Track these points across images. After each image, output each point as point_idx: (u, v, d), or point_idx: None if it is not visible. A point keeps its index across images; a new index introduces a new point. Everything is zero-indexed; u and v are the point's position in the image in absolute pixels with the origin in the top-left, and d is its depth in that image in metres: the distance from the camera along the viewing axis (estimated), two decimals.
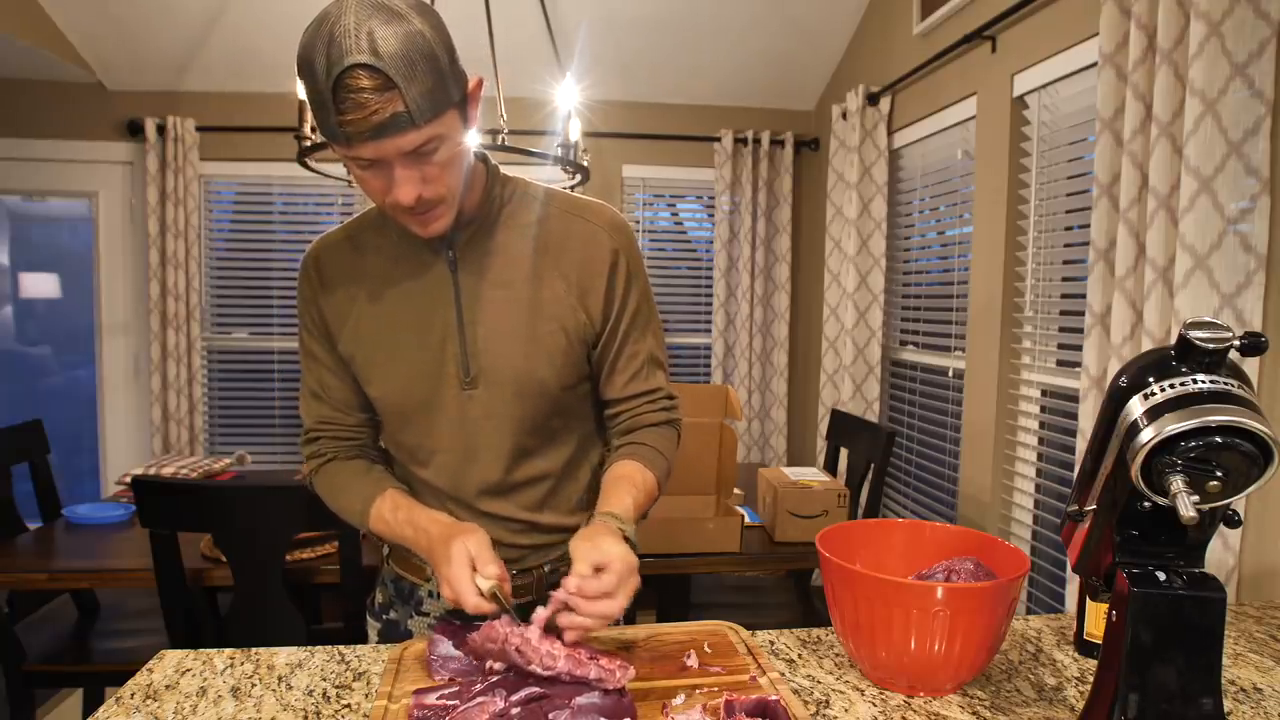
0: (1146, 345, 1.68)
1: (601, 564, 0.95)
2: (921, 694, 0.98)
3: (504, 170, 1.16)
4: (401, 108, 0.88)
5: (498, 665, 0.94)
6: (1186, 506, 0.71)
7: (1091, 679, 1.02)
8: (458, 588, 0.96)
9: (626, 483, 1.09)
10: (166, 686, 1.00)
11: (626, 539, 1.01)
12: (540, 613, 0.93)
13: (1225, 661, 1.10)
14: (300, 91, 2.20)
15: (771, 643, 1.13)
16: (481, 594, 0.95)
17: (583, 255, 1.11)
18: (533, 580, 1.18)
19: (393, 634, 1.24)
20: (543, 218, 1.12)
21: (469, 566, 0.97)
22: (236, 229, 3.86)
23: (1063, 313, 2.27)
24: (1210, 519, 0.81)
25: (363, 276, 1.12)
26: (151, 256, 3.61)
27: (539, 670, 0.89)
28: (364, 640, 1.37)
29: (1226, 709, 0.88)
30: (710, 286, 4.01)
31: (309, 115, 2.21)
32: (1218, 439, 0.72)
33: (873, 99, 3.19)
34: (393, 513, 1.11)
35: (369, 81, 0.86)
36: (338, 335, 1.13)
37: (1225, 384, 0.74)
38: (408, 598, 1.23)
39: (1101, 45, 1.83)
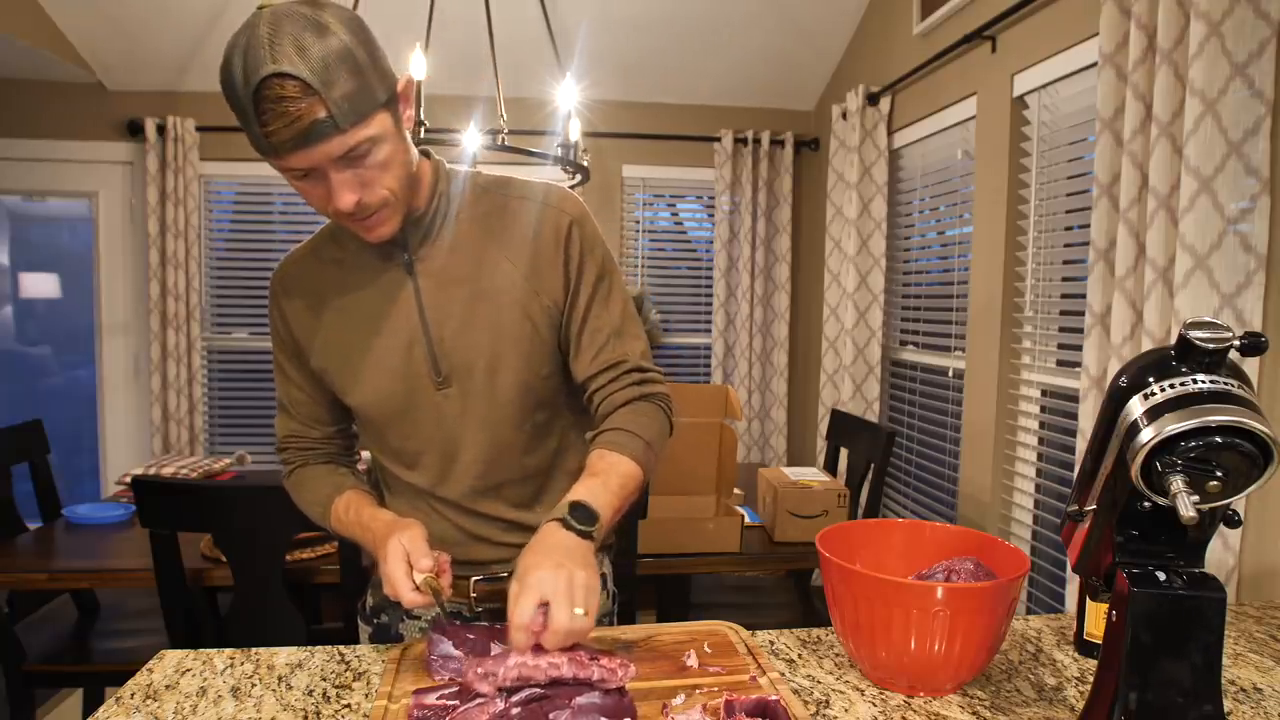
0: (1146, 345, 1.68)
1: (543, 601, 0.89)
2: (921, 694, 0.98)
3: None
4: (324, 114, 0.87)
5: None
6: (1186, 506, 0.71)
7: (1091, 679, 1.02)
8: (394, 583, 0.97)
9: (586, 474, 1.04)
10: (166, 686, 1.00)
11: (560, 520, 0.96)
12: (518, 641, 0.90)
13: (1225, 661, 1.10)
14: None
15: (771, 643, 1.13)
16: (417, 588, 0.97)
17: (537, 238, 1.09)
18: None
19: (384, 638, 1.23)
20: (493, 207, 1.11)
21: (405, 561, 0.98)
22: (236, 229, 3.86)
23: (1063, 313, 2.27)
24: (1210, 519, 0.81)
25: (326, 290, 1.12)
26: (151, 256, 3.61)
27: (543, 680, 0.89)
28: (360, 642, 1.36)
29: (1226, 709, 0.88)
30: (710, 286, 4.01)
31: None
32: (1218, 439, 0.72)
33: (873, 99, 3.19)
34: (345, 513, 1.13)
35: (288, 90, 0.86)
36: (308, 351, 1.14)
37: (1225, 384, 0.74)
38: (398, 601, 1.22)
39: (1101, 45, 1.83)
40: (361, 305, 1.10)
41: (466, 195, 1.12)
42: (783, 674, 1.03)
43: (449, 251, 1.09)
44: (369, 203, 0.96)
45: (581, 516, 0.97)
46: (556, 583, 0.88)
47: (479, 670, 0.89)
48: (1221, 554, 1.55)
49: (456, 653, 1.00)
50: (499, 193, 1.12)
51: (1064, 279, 2.26)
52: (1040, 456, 2.37)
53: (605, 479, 1.03)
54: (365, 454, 1.26)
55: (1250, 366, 1.52)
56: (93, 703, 2.26)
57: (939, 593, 0.92)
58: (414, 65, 2.02)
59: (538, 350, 1.10)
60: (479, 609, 1.19)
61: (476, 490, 1.14)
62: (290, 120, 0.87)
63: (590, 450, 1.10)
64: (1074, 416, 2.07)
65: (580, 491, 1.00)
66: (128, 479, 2.72)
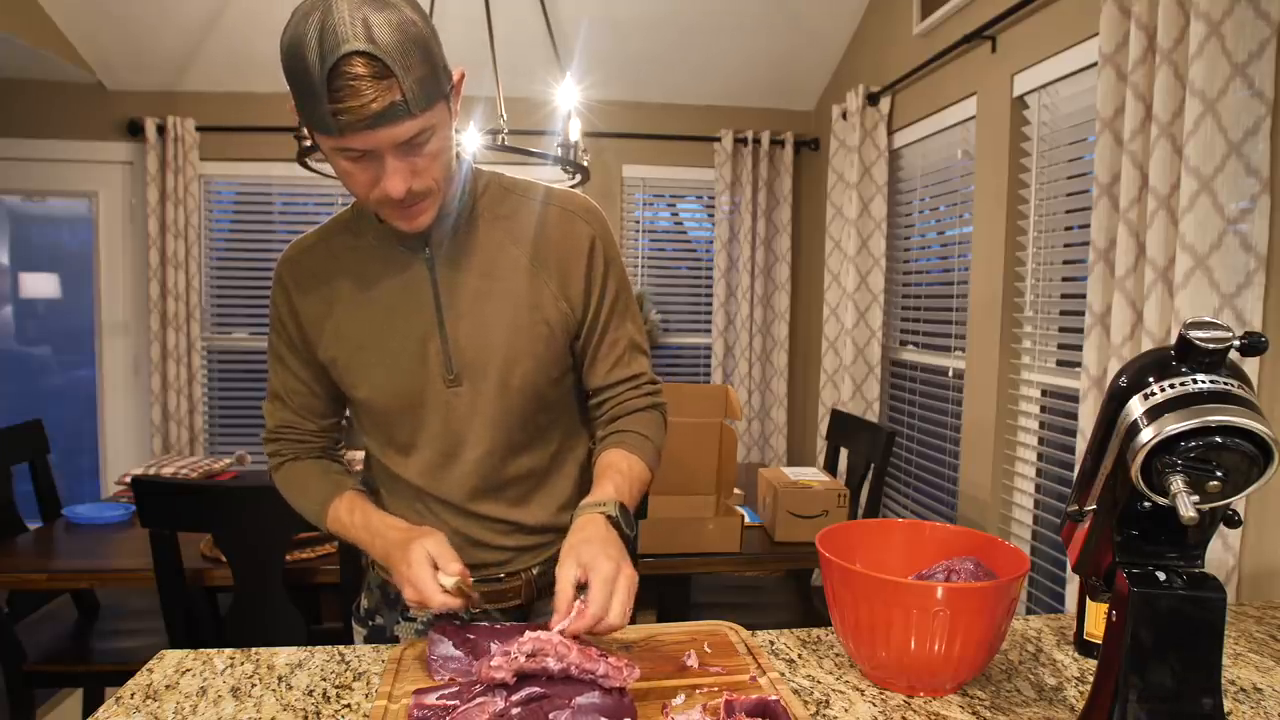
0: (1146, 345, 1.68)
1: (584, 580, 0.93)
2: (921, 694, 0.98)
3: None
4: (398, 96, 0.87)
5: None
6: (1186, 506, 0.71)
7: (1091, 679, 1.02)
8: (421, 587, 0.97)
9: (611, 470, 1.09)
10: (166, 686, 1.00)
11: (609, 518, 1.01)
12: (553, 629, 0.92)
13: (1225, 661, 1.10)
14: None
15: (771, 643, 1.13)
16: (446, 591, 0.96)
17: (560, 244, 1.10)
18: (521, 583, 1.18)
19: (379, 639, 1.23)
20: (517, 209, 1.11)
21: (430, 566, 0.98)
22: (236, 229, 3.86)
23: (1063, 313, 2.27)
24: (1210, 519, 0.81)
25: (339, 279, 1.10)
26: (151, 256, 3.61)
27: (552, 663, 0.88)
28: (352, 642, 1.36)
29: (1226, 709, 0.88)
30: (710, 286, 4.01)
31: None
32: (1218, 439, 0.72)
33: (873, 99, 3.19)
34: (349, 514, 1.11)
35: (366, 69, 0.84)
36: (316, 340, 1.12)
37: (1225, 384, 0.74)
38: (394, 602, 1.22)
39: (1101, 45, 1.83)
40: (378, 297, 1.09)
41: (490, 195, 1.12)
42: (783, 674, 1.03)
43: (470, 249, 1.09)
44: (417, 191, 0.96)
45: (628, 520, 1.03)
46: (619, 579, 0.93)
47: (498, 654, 0.89)
48: (1221, 554, 1.55)
49: (457, 653, 1.00)
50: (522, 195, 1.13)
51: (1064, 279, 2.26)
52: (1040, 456, 2.37)
53: (630, 481, 1.08)
54: (357, 454, 1.26)
55: (1250, 366, 1.52)
56: (93, 703, 2.26)
57: (939, 593, 0.92)
58: None
59: (553, 355, 1.11)
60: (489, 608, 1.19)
61: (476, 490, 1.13)
62: (366, 100, 0.85)
63: (606, 445, 1.14)
64: (1074, 416, 2.07)
65: (614, 491, 1.05)
66: (128, 479, 2.72)
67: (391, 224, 1.02)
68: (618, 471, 1.09)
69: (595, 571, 0.93)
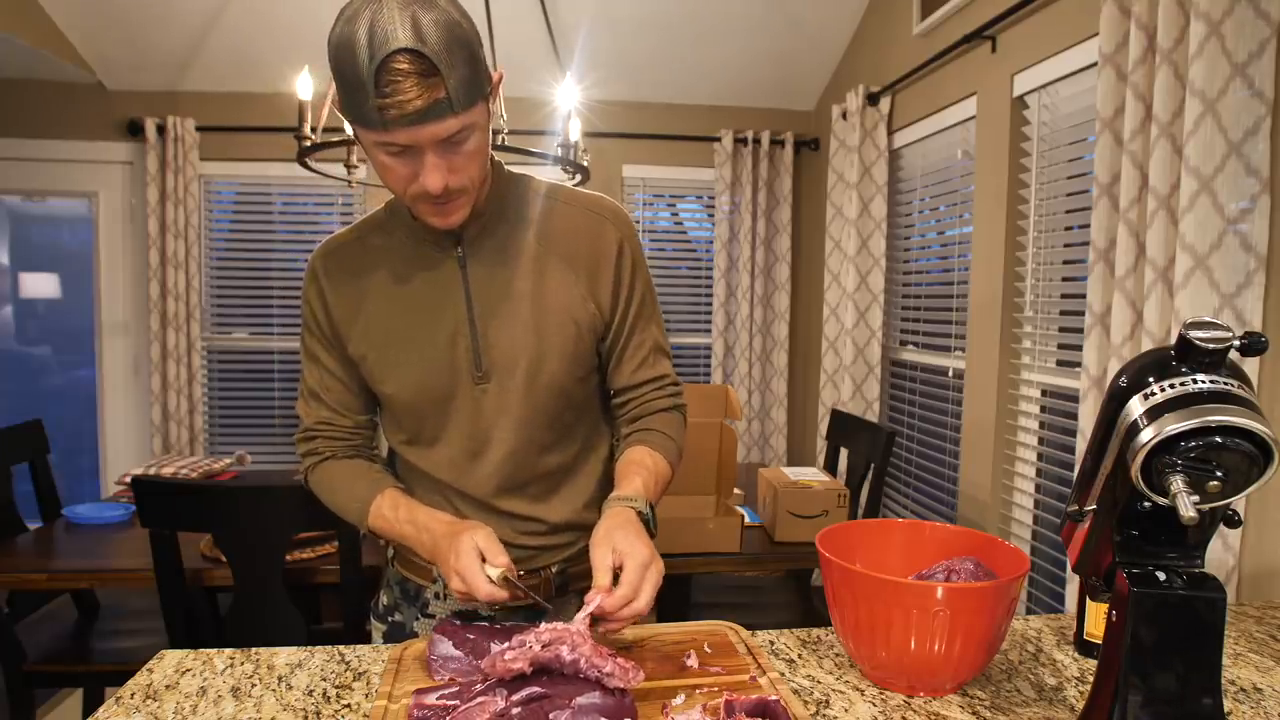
0: (1146, 345, 1.68)
1: (618, 564, 0.97)
2: (921, 694, 0.98)
3: (506, 168, 1.16)
4: (443, 95, 0.89)
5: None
6: (1186, 506, 0.71)
7: (1091, 679, 1.02)
8: (469, 578, 0.98)
9: (637, 467, 1.12)
10: (166, 686, 1.00)
11: (640, 514, 1.05)
12: (579, 617, 0.94)
13: (1225, 661, 1.10)
14: (302, 91, 2.20)
15: (771, 643, 1.13)
16: (493, 582, 0.97)
17: (589, 247, 1.13)
18: (540, 580, 1.18)
19: (398, 636, 1.23)
20: (548, 211, 1.14)
21: (478, 558, 0.99)
22: (236, 229, 3.86)
23: (1063, 313, 2.27)
24: (1210, 519, 0.81)
25: (371, 276, 1.12)
26: (151, 256, 3.61)
27: (565, 651, 0.88)
28: (365, 640, 1.36)
29: (1226, 709, 0.88)
30: (710, 286, 4.01)
31: (309, 115, 2.21)
32: (1218, 439, 0.72)
33: (873, 99, 3.19)
34: (393, 510, 1.12)
35: (413, 66, 0.87)
36: (347, 336, 1.13)
37: (1225, 384, 0.74)
38: (414, 599, 1.23)
39: (1101, 45, 1.83)
40: (408, 294, 1.11)
41: (520, 196, 1.14)
42: (783, 674, 1.03)
43: (501, 249, 1.11)
44: (454, 188, 0.98)
45: (654, 520, 1.07)
46: (652, 567, 0.99)
47: (510, 646, 0.90)
48: (1221, 554, 1.55)
49: (456, 653, 1.00)
50: (551, 197, 1.15)
51: (1064, 279, 2.26)
52: (1040, 456, 2.37)
53: (656, 478, 1.12)
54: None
55: (1250, 366, 1.52)
56: (93, 703, 2.26)
57: (939, 593, 0.92)
58: None
59: (579, 355, 1.13)
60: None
61: (501, 487, 1.15)
62: (412, 97, 0.88)
63: (631, 443, 1.17)
64: (1074, 416, 2.07)
65: (643, 488, 1.09)
66: (128, 479, 2.72)
67: (425, 220, 1.04)
68: (644, 468, 1.11)
69: (631, 556, 0.97)
